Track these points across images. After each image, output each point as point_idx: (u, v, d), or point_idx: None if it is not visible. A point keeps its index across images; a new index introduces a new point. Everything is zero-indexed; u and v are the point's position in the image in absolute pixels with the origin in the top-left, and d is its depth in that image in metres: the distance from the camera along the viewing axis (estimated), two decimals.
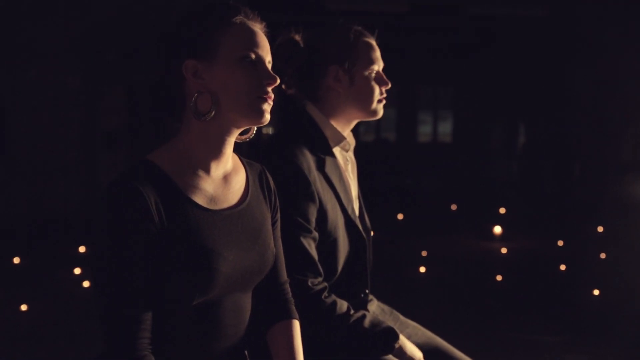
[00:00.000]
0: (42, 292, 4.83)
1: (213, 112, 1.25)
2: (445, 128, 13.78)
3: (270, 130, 9.99)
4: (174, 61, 1.28)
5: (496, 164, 11.65)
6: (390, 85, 1.79)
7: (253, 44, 1.28)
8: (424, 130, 13.77)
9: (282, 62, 1.76)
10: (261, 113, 1.27)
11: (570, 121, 9.04)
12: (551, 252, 6.26)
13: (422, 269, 5.51)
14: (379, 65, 1.79)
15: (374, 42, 1.80)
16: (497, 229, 6.97)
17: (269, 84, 1.28)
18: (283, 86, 1.81)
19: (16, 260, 5.73)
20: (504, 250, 6.28)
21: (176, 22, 1.31)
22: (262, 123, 1.29)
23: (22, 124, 8.07)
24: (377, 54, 1.80)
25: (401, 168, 12.06)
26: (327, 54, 1.75)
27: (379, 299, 1.98)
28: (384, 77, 1.80)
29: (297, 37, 1.77)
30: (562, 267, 5.47)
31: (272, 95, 1.29)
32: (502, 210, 7.94)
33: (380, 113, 1.81)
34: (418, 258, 5.96)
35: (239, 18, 1.28)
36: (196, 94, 1.26)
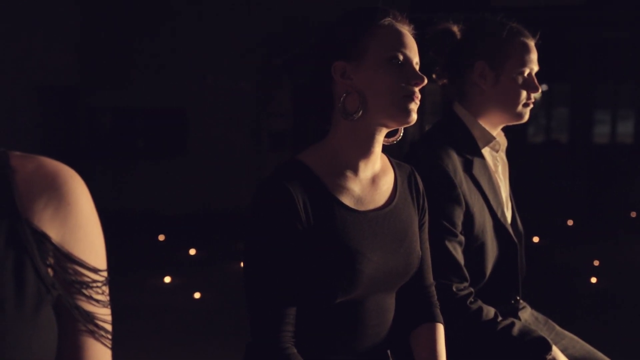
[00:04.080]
0: (213, 282, 5.21)
1: (361, 112, 1.27)
2: (626, 128, 12.66)
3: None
4: (323, 63, 1.31)
5: None
6: (540, 91, 1.69)
7: (400, 45, 1.29)
8: (601, 131, 12.76)
9: (436, 52, 1.74)
10: (408, 112, 1.27)
11: None
12: None
13: (594, 280, 5.13)
14: (531, 69, 1.70)
15: (531, 44, 1.70)
16: None
17: (416, 84, 1.28)
18: (434, 76, 1.78)
19: (192, 251, 6.23)
20: None
21: (326, 26, 1.35)
22: (408, 123, 1.28)
23: (200, 126, 8.76)
24: (532, 56, 1.70)
25: (574, 171, 11.30)
26: (476, 49, 1.69)
27: (536, 307, 1.88)
28: (535, 82, 1.69)
29: (455, 29, 1.73)
30: None
31: (419, 95, 1.29)
32: None
33: (526, 117, 1.72)
34: (589, 267, 5.56)
35: (387, 20, 1.30)
36: (345, 94, 1.28)
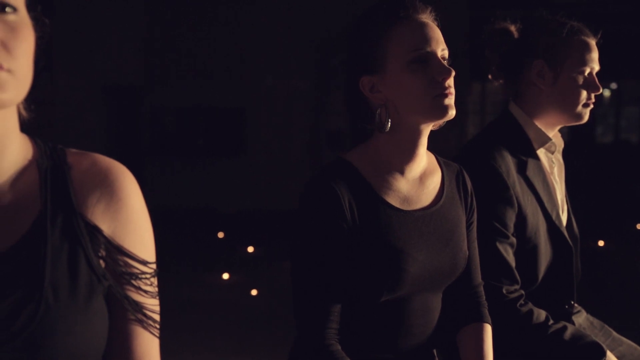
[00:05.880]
0: (270, 279, 5.27)
1: (389, 125, 1.25)
2: None
3: None
4: (351, 79, 1.30)
5: None
6: (601, 91, 1.64)
7: (420, 41, 1.23)
8: None
9: (492, 51, 1.71)
10: (444, 110, 1.24)
11: None
12: None
13: None
14: (591, 68, 1.65)
15: (592, 42, 1.66)
16: None
17: (444, 79, 1.23)
18: (489, 76, 1.76)
19: (250, 249, 6.32)
20: None
21: (347, 37, 1.32)
22: (448, 119, 1.26)
23: (259, 125, 8.89)
24: (593, 55, 1.65)
25: None
26: (534, 47, 1.65)
27: (595, 312, 1.84)
28: (596, 81, 1.65)
29: (512, 28, 1.70)
30: None
31: (452, 89, 1.24)
32: None
33: (585, 118, 1.68)
34: None
35: (399, 17, 1.24)
36: (379, 110, 1.26)
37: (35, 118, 0.88)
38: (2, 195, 0.81)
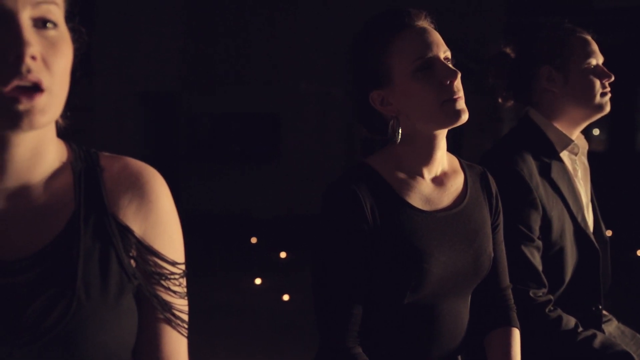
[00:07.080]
0: (302, 285, 5.29)
1: (399, 136, 1.27)
2: None
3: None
4: (361, 94, 1.31)
5: None
6: (613, 78, 1.65)
7: (420, 48, 1.24)
8: None
9: (495, 77, 1.75)
10: (456, 116, 1.25)
11: None
12: None
13: None
14: (596, 59, 1.68)
15: (589, 37, 1.70)
16: None
17: (451, 82, 1.23)
18: (499, 100, 1.78)
19: (282, 254, 6.36)
20: None
21: (350, 55, 1.33)
22: (460, 123, 1.26)
23: (293, 131, 8.94)
24: (594, 48, 1.69)
25: None
26: (536, 56, 1.69)
27: (626, 321, 1.81)
28: (605, 69, 1.67)
29: (507, 50, 1.75)
30: None
31: (460, 93, 1.24)
32: None
33: (607, 108, 1.69)
34: None
35: (396, 29, 1.25)
36: (391, 122, 1.28)
37: (73, 124, 0.92)
38: (39, 196, 0.85)
